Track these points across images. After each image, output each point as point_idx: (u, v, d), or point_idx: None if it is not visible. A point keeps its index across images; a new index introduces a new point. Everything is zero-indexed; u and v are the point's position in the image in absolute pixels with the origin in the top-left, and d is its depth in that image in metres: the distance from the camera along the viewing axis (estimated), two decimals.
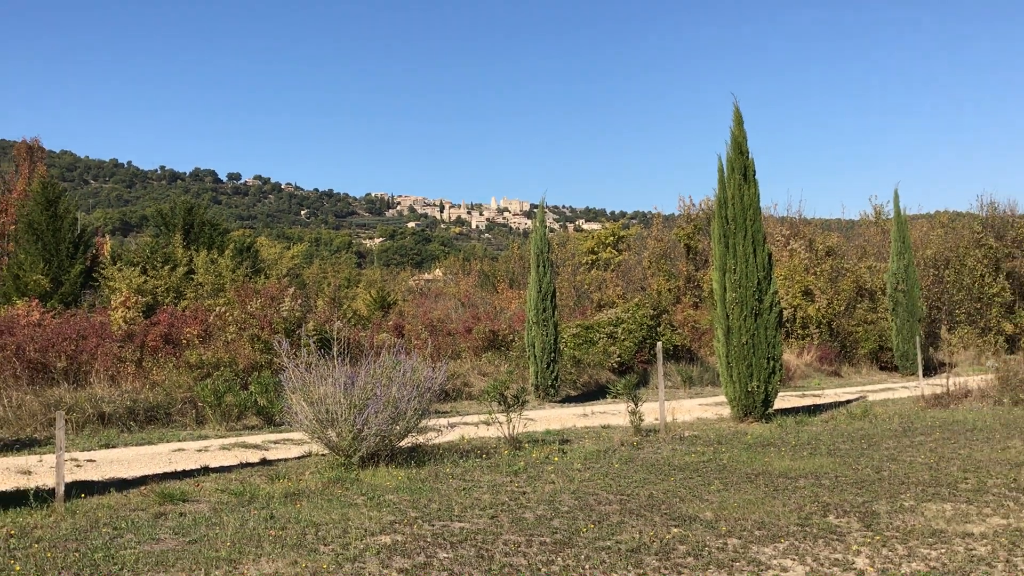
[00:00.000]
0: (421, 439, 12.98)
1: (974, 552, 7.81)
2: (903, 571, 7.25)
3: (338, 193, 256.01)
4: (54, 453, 10.35)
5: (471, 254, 72.62)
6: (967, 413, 18.54)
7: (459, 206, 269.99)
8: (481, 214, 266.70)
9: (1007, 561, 7.50)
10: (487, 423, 14.18)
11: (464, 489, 10.65)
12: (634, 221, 76.65)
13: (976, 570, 7.26)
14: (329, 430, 12.12)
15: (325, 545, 8.02)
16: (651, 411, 17.17)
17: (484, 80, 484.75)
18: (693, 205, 39.54)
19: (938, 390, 21.38)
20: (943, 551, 7.85)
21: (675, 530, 8.58)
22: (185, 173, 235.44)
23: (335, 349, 12.86)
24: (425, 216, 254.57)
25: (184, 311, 22.88)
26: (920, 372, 24.82)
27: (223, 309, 22.10)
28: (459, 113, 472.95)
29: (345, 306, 30.29)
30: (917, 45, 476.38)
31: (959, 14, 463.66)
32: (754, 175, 18.15)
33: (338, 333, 15.87)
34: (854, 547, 8.01)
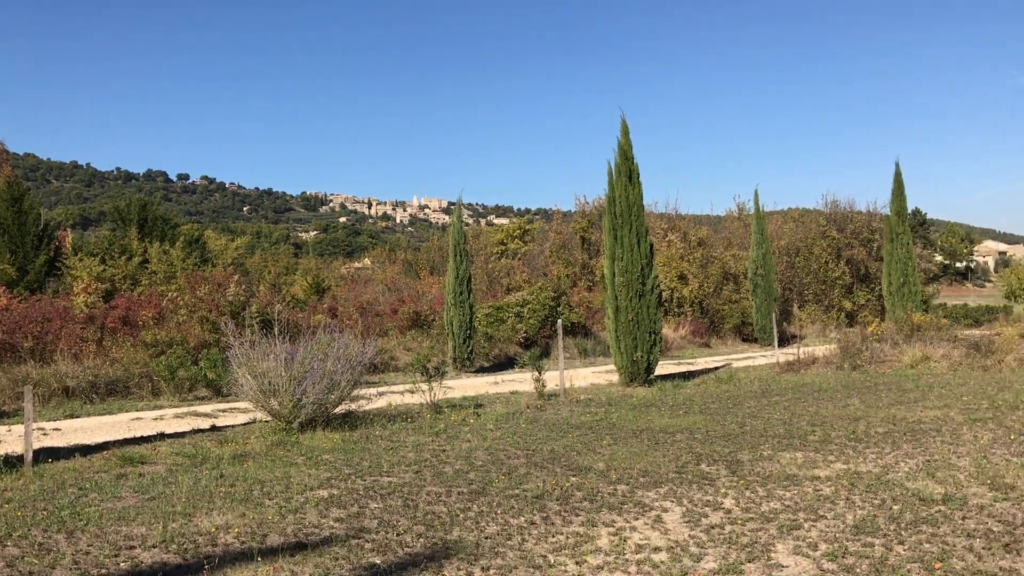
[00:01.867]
0: (354, 406, 12.88)
1: (821, 492, 8.09)
2: (763, 509, 7.48)
3: (277, 192, 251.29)
4: (22, 423, 9.97)
5: (396, 245, 72.07)
6: (814, 377, 19.14)
7: (385, 203, 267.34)
8: (404, 210, 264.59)
9: (847, 499, 7.79)
10: (411, 391, 14.12)
11: (392, 448, 10.61)
12: (537, 216, 76.89)
13: (823, 506, 7.53)
14: (272, 399, 11.94)
15: (269, 499, 7.93)
16: (552, 379, 17.31)
17: (404, 87, 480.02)
18: (587, 203, 39.94)
19: (791, 358, 22.01)
20: (796, 492, 8.11)
21: (573, 479, 8.70)
22: (139, 174, 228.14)
23: (276, 329, 12.67)
24: (355, 212, 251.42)
25: (140, 296, 22.23)
26: (776, 343, 25.51)
27: (175, 294, 21.53)
28: (383, 118, 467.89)
29: (284, 291, 29.78)
30: (777, 57, 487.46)
31: (820, 29, 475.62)
32: (638, 177, 18.41)
33: (279, 315, 15.62)
34: (722, 490, 8.22)
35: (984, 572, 5.70)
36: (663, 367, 21.64)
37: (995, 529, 6.72)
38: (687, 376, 19.71)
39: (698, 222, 44.13)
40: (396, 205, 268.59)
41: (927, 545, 6.32)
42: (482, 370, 22.66)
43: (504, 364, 23.57)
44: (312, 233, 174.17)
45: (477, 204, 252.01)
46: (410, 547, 6.39)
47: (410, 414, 13.36)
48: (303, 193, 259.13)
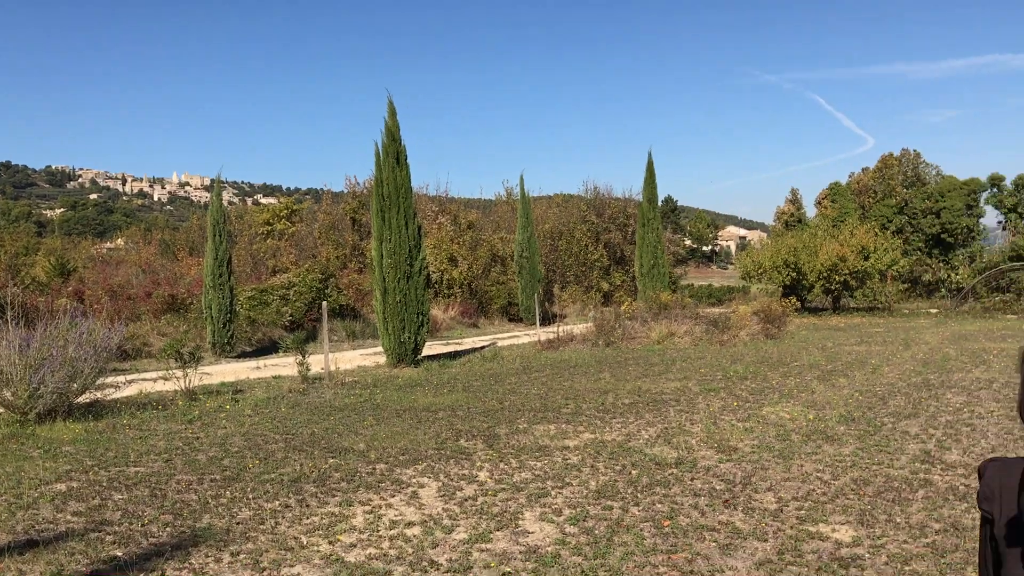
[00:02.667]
0: (99, 395, 12.06)
1: (569, 461, 8.55)
2: (515, 479, 7.80)
3: (16, 164, 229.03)
4: None
5: (153, 224, 67.80)
6: (572, 353, 20.09)
7: (142, 180, 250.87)
8: (163, 188, 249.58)
9: (592, 466, 8.29)
10: (165, 378, 13.41)
11: (141, 438, 10.06)
12: (307, 196, 75.00)
13: (569, 474, 7.96)
14: (4, 390, 10.95)
15: None
16: (318, 362, 17.05)
17: (168, 56, 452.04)
18: (358, 184, 39.43)
19: (551, 336, 22.93)
20: (546, 461, 8.52)
21: (332, 460, 8.66)
22: None
23: (9, 314, 11.62)
24: (107, 188, 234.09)
25: None
26: (538, 322, 26.51)
27: None
28: (142, 83, 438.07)
29: (23, 273, 27.26)
30: (534, 53, 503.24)
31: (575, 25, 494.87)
32: (406, 160, 18.45)
33: (14, 299, 14.32)
34: (478, 463, 8.49)
35: (705, 526, 6.27)
36: (432, 348, 21.90)
37: (718, 488, 7.41)
38: (454, 356, 20.06)
39: (468, 205, 44.87)
40: (154, 182, 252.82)
41: (659, 505, 6.86)
42: (244, 355, 21.91)
43: (268, 348, 22.91)
44: (59, 211, 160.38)
45: (243, 183, 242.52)
46: (156, 537, 6.12)
47: (163, 402, 12.70)
48: (48, 167, 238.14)
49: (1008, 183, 45.80)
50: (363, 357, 20.65)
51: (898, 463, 8.16)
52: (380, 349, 20.31)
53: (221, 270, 21.20)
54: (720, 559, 5.55)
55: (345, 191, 40.54)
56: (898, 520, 6.31)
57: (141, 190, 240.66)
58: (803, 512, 6.56)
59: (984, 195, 46.95)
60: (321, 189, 53.10)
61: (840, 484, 7.41)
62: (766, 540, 5.92)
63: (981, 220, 47.67)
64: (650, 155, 33.81)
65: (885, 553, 5.59)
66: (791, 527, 6.19)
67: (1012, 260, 40.72)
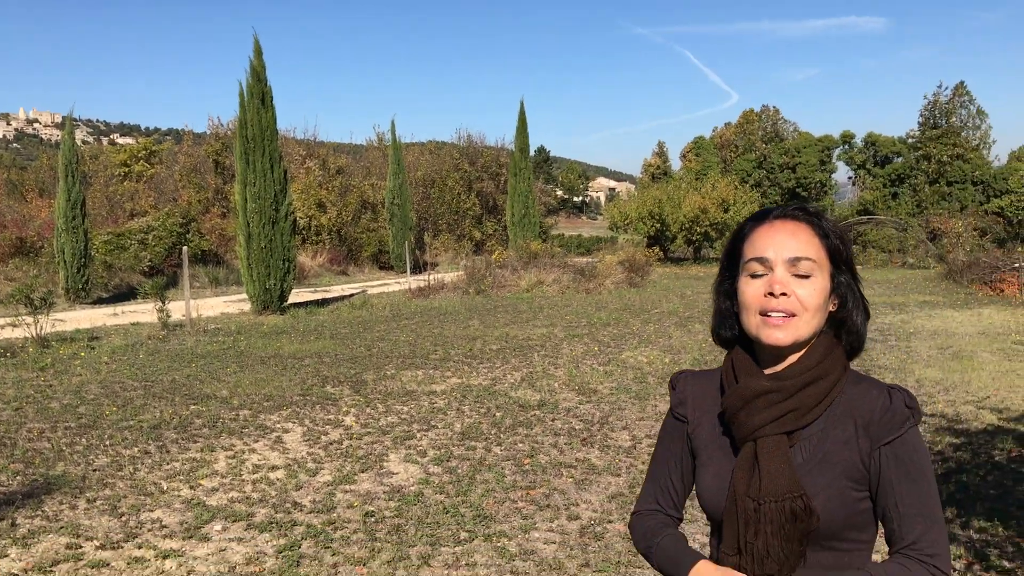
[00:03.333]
0: None
1: (436, 404, 8.72)
2: (381, 423, 7.91)
3: None
4: None
5: None
6: (442, 301, 20.23)
7: None
8: (9, 124, 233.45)
9: (457, 410, 8.48)
10: (14, 325, 12.78)
11: None
12: (167, 137, 71.83)
13: (435, 417, 8.13)
14: None
15: None
16: (180, 309, 16.59)
17: None
18: (221, 125, 37.98)
19: (423, 284, 22.99)
20: (413, 406, 8.66)
21: (193, 407, 8.53)
22: None
23: None
24: None
25: None
26: (409, 271, 26.49)
27: None
28: None
29: None
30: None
31: None
32: (271, 101, 17.95)
33: None
34: (344, 408, 8.55)
35: (563, 464, 6.56)
36: (299, 295, 21.59)
37: (577, 427, 7.73)
38: (322, 303, 19.87)
39: (338, 150, 43.94)
40: None
41: (521, 445, 7.12)
42: (100, 301, 21.04)
43: (126, 295, 22.06)
44: None
45: (99, 121, 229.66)
46: (5, 486, 5.94)
47: (11, 349, 12.11)
48: None
49: (858, 140, 48.31)
50: (227, 304, 20.19)
51: None
52: (244, 296, 19.88)
53: (75, 212, 20.19)
54: (576, 493, 5.85)
55: (208, 132, 39.03)
56: None
57: None
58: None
59: (836, 151, 49.40)
60: (182, 130, 50.74)
61: None
62: (619, 475, 6.26)
63: (833, 175, 50.25)
64: (522, 104, 33.91)
65: None
66: (642, 463, 6.55)
67: (860, 214, 43.23)
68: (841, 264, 1.53)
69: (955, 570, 4.47)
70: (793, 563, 1.45)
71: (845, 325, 1.54)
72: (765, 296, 1.48)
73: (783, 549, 1.44)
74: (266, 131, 17.61)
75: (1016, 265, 21.45)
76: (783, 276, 1.47)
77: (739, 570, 1.48)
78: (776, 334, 1.47)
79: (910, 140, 46.58)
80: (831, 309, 1.53)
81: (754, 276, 1.50)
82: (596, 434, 7.47)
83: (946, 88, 46.15)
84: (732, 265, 1.59)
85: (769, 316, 1.47)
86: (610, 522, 5.28)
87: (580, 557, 4.74)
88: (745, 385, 1.50)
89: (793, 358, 1.50)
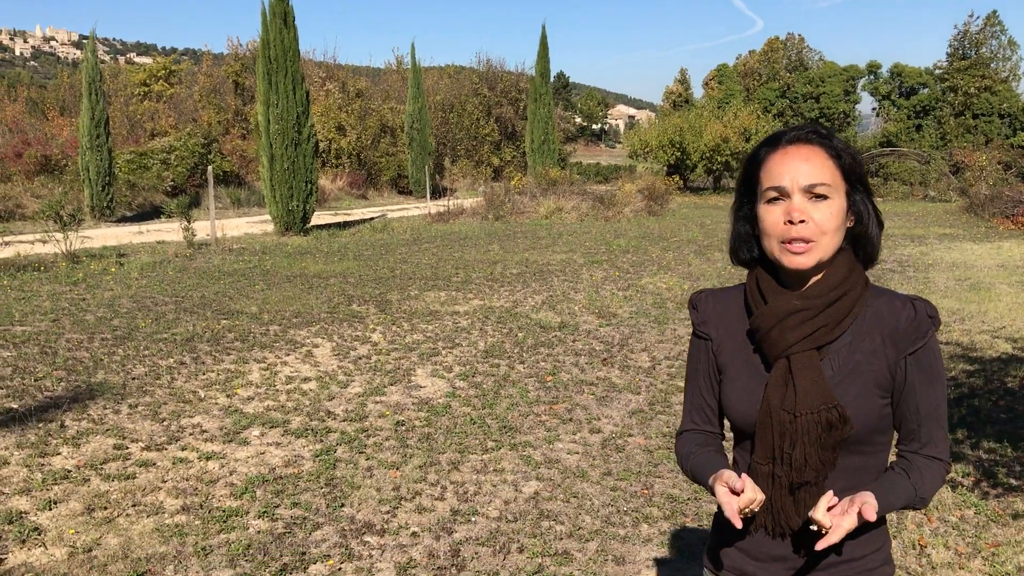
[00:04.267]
0: None
1: (459, 324, 8.92)
2: (407, 340, 8.12)
3: None
4: None
5: (17, 80, 63.25)
6: (462, 226, 20.35)
7: (0, 31, 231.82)
8: (26, 41, 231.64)
9: (480, 330, 8.68)
10: (44, 241, 13.02)
11: (23, 299, 9.88)
12: (184, 57, 71.08)
13: (459, 336, 8.33)
14: None
15: None
16: (203, 229, 16.80)
17: None
18: (240, 45, 37.61)
19: (442, 209, 23.08)
20: (437, 325, 8.86)
21: (224, 322, 8.77)
22: None
23: None
24: None
25: None
26: (428, 195, 26.56)
27: None
28: None
29: None
30: None
31: None
32: (293, 21, 17.83)
33: None
34: (371, 326, 8.76)
35: (585, 381, 6.76)
36: (320, 217, 21.75)
37: (597, 348, 7.92)
38: (343, 226, 20.02)
39: (357, 73, 43.52)
40: (15, 35, 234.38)
41: (543, 363, 7.32)
42: (125, 219, 21.27)
43: (150, 214, 22.26)
44: None
45: (115, 40, 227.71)
46: (50, 391, 6.20)
47: (43, 264, 12.37)
48: None
49: (884, 71, 47.47)
50: (249, 225, 20.38)
51: None
52: (266, 217, 20.07)
53: (99, 131, 20.28)
54: (597, 409, 6.05)
55: (227, 52, 38.72)
56: None
57: (0, 43, 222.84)
58: (673, 370, 7.13)
59: (861, 82, 48.57)
60: (199, 50, 50.33)
61: None
62: (639, 393, 6.46)
63: (857, 106, 49.50)
64: (543, 28, 33.41)
65: None
66: (662, 382, 6.75)
67: (883, 146, 42.71)
68: (855, 182, 1.57)
69: (964, 486, 4.66)
70: (828, 469, 1.55)
71: (861, 239, 1.60)
72: (784, 224, 1.52)
73: (820, 456, 1.53)
74: (288, 51, 17.54)
75: None
76: (800, 203, 1.51)
77: (773, 478, 1.58)
78: (798, 259, 1.52)
79: (937, 71, 45.71)
80: (848, 225, 1.58)
81: (772, 202, 1.54)
82: (616, 355, 7.65)
83: (977, 17, 45.19)
84: (749, 190, 1.63)
85: (790, 243, 1.52)
86: (630, 435, 5.49)
87: (602, 466, 4.96)
88: (776, 304, 1.56)
89: (816, 277, 1.56)
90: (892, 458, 1.64)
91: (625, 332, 8.61)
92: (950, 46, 45.57)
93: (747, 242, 1.66)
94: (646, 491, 4.61)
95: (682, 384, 6.63)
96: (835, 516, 1.45)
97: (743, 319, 1.67)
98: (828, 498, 1.47)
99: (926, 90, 45.64)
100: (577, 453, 5.17)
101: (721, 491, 1.53)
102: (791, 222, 1.51)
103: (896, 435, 1.63)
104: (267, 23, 17.58)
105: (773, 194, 1.54)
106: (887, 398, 1.56)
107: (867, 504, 1.44)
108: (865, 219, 1.59)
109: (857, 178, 1.57)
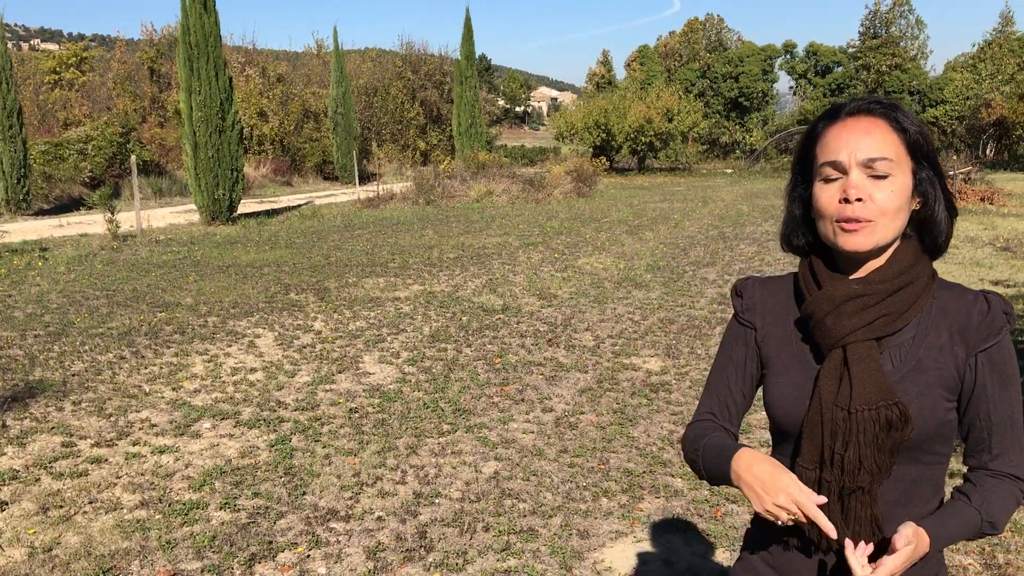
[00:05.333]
0: None
1: (401, 310, 8.92)
2: (350, 328, 8.09)
3: None
4: None
5: None
6: (393, 211, 20.24)
7: None
8: None
9: (424, 315, 8.69)
10: None
11: None
12: (95, 44, 68.70)
13: (403, 322, 8.34)
14: None
15: None
16: (127, 220, 16.36)
17: None
18: (155, 31, 36.57)
19: (371, 195, 22.90)
20: (379, 311, 8.84)
21: (161, 314, 8.60)
22: None
23: None
24: None
25: None
26: (356, 181, 26.31)
27: None
28: None
29: None
30: None
31: None
32: (214, 5, 17.42)
33: None
34: (311, 314, 8.70)
35: (533, 362, 6.85)
36: (246, 206, 21.35)
37: (542, 329, 8.02)
38: (271, 214, 19.72)
39: (277, 58, 42.73)
40: None
41: (489, 346, 7.39)
42: (43, 213, 20.57)
43: (68, 206, 21.57)
44: None
45: (17, 25, 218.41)
46: None
47: None
48: None
49: (800, 50, 48.63)
50: (174, 215, 19.92)
51: (698, 304, 9.07)
52: (191, 207, 19.66)
53: (11, 121, 19.52)
54: (547, 389, 6.15)
55: (141, 38, 37.59)
56: (699, 352, 7.13)
57: None
58: (617, 347, 7.28)
59: (779, 61, 49.65)
60: (109, 36, 48.77)
61: (649, 323, 8.20)
62: (587, 371, 6.58)
63: (775, 85, 50.59)
64: (467, 11, 33.32)
65: (688, 379, 6.37)
66: (608, 360, 6.88)
67: (800, 124, 43.80)
68: (922, 159, 1.41)
69: None
70: (885, 475, 1.39)
71: (927, 224, 1.44)
72: (840, 202, 1.38)
73: (876, 460, 1.37)
74: (210, 37, 17.15)
75: (950, 173, 22.16)
76: (859, 180, 1.37)
77: (820, 485, 1.41)
78: (855, 239, 1.38)
79: (850, 50, 47.04)
80: (914, 208, 1.43)
81: (828, 181, 1.40)
82: (560, 335, 7.77)
83: None
84: (805, 169, 1.48)
85: (847, 223, 1.38)
86: (582, 413, 5.60)
87: (558, 444, 5.05)
88: (833, 288, 1.42)
89: (875, 263, 1.43)
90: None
91: (567, 312, 8.73)
92: (862, 25, 46.99)
93: (800, 226, 1.51)
94: (603, 466, 4.72)
95: (627, 361, 6.80)
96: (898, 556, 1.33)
97: (791, 309, 1.53)
98: (907, 536, 1.33)
99: (840, 68, 46.94)
100: (532, 432, 5.26)
101: (791, 484, 1.36)
102: (847, 200, 1.37)
103: (963, 448, 1.49)
104: (187, 8, 17.16)
105: (829, 171, 1.40)
106: (953, 401, 1.41)
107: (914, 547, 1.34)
108: (932, 201, 1.43)
109: (924, 155, 1.41)
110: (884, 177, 1.37)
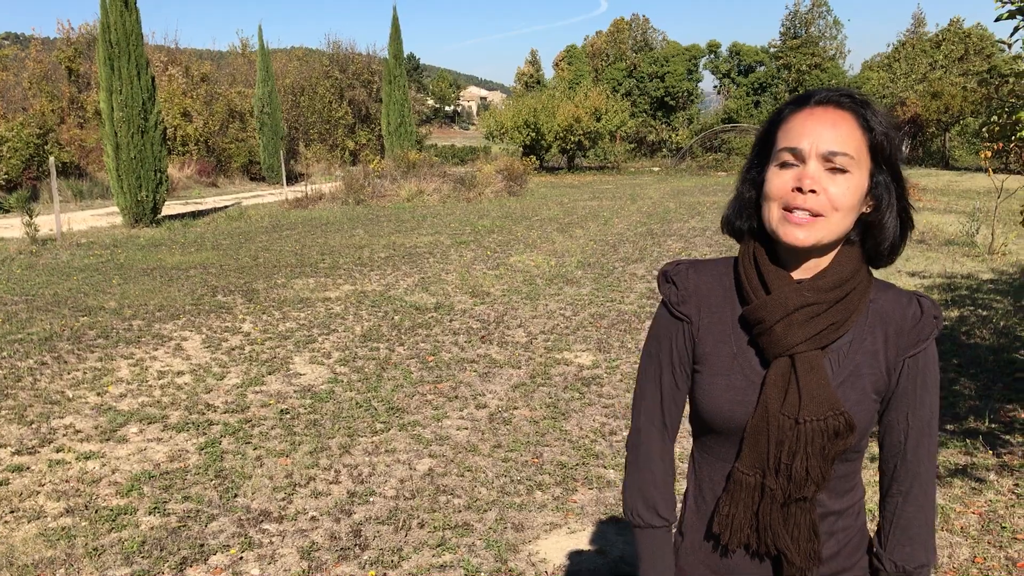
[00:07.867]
0: None
1: (332, 310, 8.84)
2: (280, 329, 7.99)
3: None
4: None
5: None
6: (322, 212, 20.01)
7: None
8: None
9: (355, 314, 8.63)
10: None
11: None
12: (7, 42, 66.43)
13: (334, 322, 8.26)
14: None
15: None
16: (46, 224, 15.86)
17: None
18: (73, 29, 35.50)
19: (299, 195, 22.60)
20: (309, 312, 8.75)
21: (83, 319, 8.37)
22: None
23: None
24: None
25: None
26: (284, 181, 25.95)
27: None
28: None
29: None
30: None
31: None
32: (135, 3, 17.00)
33: None
34: (240, 316, 8.56)
35: (466, 359, 6.86)
36: (170, 207, 20.87)
37: (474, 327, 8.03)
38: (196, 215, 19.32)
39: (201, 57, 41.86)
40: None
41: (423, 344, 7.37)
42: None
43: None
44: None
45: None
46: None
47: None
48: None
49: (724, 50, 49.54)
50: (95, 217, 19.37)
51: (628, 300, 9.19)
52: (113, 209, 19.16)
53: None
54: (481, 385, 6.17)
55: (58, 37, 36.44)
56: (629, 346, 7.23)
57: None
58: (550, 343, 7.33)
59: (703, 61, 50.50)
60: (23, 34, 47.17)
61: (580, 319, 8.28)
62: (520, 367, 6.61)
63: (700, 84, 51.44)
64: (395, 10, 33.12)
65: (619, 372, 6.45)
66: (540, 356, 6.93)
67: (724, 122, 44.65)
68: (883, 162, 1.36)
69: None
70: (827, 482, 1.38)
71: (873, 228, 1.39)
72: (792, 191, 1.32)
73: (821, 468, 1.35)
74: (131, 35, 16.73)
75: None
76: (815, 171, 1.31)
77: (763, 490, 1.39)
78: (797, 233, 1.32)
79: (772, 50, 48.10)
80: (864, 211, 1.38)
81: (784, 166, 1.34)
82: (493, 332, 7.79)
83: None
84: (763, 152, 1.42)
85: (792, 212, 1.32)
86: (516, 408, 5.63)
87: (492, 440, 5.07)
88: (783, 294, 1.36)
89: (818, 262, 1.38)
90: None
91: (500, 310, 8.76)
92: (783, 25, 48.14)
93: (747, 209, 1.44)
94: (536, 460, 4.76)
95: (559, 356, 6.86)
96: None
97: (730, 302, 1.45)
98: None
99: (763, 68, 47.96)
100: (466, 429, 5.26)
101: None
102: (800, 190, 1.31)
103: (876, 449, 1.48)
104: (107, 6, 16.70)
105: (788, 156, 1.33)
106: (879, 402, 1.42)
107: None
108: (883, 207, 1.38)
109: (885, 159, 1.35)
110: (842, 172, 1.32)
